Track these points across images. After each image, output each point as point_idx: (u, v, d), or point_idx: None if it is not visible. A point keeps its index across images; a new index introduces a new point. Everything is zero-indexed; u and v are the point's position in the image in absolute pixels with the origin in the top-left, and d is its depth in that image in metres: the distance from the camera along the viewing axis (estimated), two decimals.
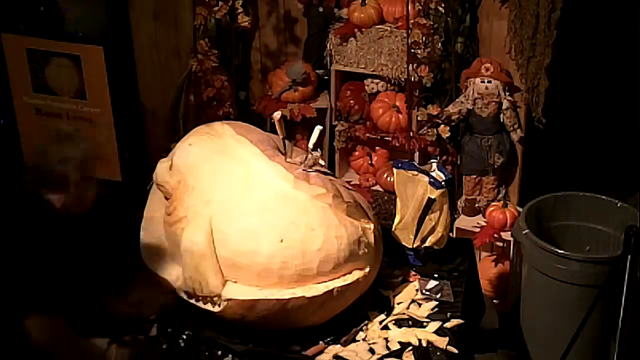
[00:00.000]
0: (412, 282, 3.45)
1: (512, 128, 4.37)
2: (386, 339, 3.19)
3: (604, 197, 4.14)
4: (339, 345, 3.16)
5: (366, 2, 4.48)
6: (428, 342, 3.17)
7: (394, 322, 3.27)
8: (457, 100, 4.40)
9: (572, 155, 5.18)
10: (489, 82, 4.28)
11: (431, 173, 3.38)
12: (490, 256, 4.52)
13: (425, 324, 3.26)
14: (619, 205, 4.09)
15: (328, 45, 4.59)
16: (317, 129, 3.29)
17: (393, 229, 3.51)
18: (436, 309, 3.32)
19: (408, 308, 3.33)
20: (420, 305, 3.35)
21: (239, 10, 4.38)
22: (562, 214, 4.17)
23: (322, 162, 3.30)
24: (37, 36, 4.58)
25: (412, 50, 4.26)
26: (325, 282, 3.09)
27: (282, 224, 3.05)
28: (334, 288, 3.08)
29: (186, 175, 3.18)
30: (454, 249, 3.60)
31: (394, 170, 3.47)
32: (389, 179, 4.57)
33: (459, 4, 4.32)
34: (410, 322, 3.27)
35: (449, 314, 3.30)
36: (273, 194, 3.10)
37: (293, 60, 4.70)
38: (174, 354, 3.14)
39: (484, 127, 4.36)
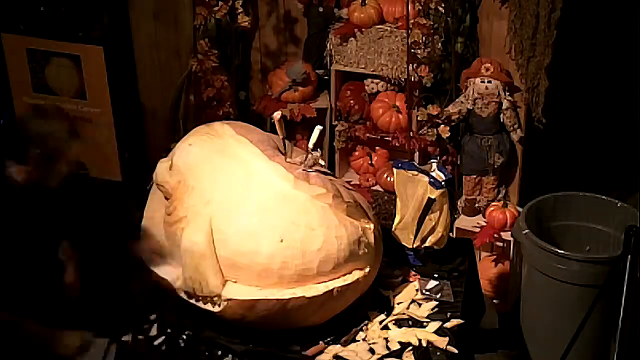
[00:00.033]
0: (412, 282, 3.45)
1: (512, 128, 4.37)
2: (386, 339, 3.19)
3: (604, 197, 4.14)
4: (339, 345, 3.16)
5: (366, 2, 4.47)
6: (428, 342, 3.17)
7: (394, 322, 3.27)
8: (457, 100, 4.40)
9: (572, 155, 5.18)
10: (489, 82, 4.28)
11: (431, 173, 3.38)
12: (490, 256, 4.52)
13: (425, 324, 3.26)
14: (619, 205, 4.09)
15: (328, 45, 4.59)
16: (317, 129, 3.29)
17: (393, 229, 3.51)
18: (436, 309, 3.32)
19: (408, 308, 3.33)
20: (420, 305, 3.35)
21: (239, 10, 4.38)
22: (562, 214, 4.17)
23: (322, 162, 3.30)
24: (37, 36, 4.58)
25: (412, 50, 4.26)
26: (325, 282, 3.09)
27: (282, 224, 3.05)
28: (334, 288, 3.08)
29: (186, 175, 3.18)
30: (454, 249, 3.60)
31: (394, 170, 3.47)
32: (389, 179, 4.57)
33: (459, 4, 4.32)
34: (410, 322, 3.27)
35: (449, 314, 3.30)
36: (273, 194, 3.10)
37: (293, 60, 4.70)
38: (174, 354, 3.14)
39: (484, 127, 4.36)
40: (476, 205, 4.52)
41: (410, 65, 4.29)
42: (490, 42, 4.37)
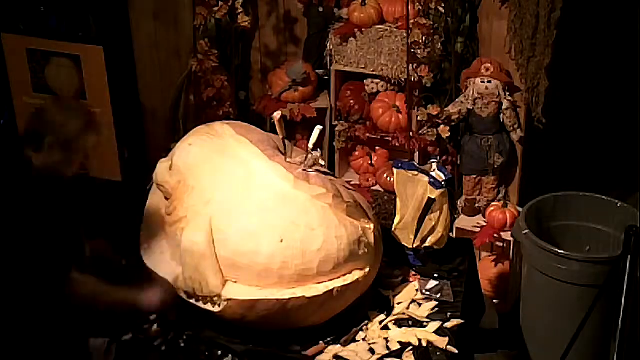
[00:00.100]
0: (412, 282, 3.45)
1: (512, 128, 4.37)
2: (386, 339, 3.19)
3: (604, 197, 4.14)
4: (339, 345, 3.16)
5: (366, 2, 4.47)
6: (428, 342, 3.17)
7: (394, 322, 3.27)
8: (457, 100, 4.40)
9: (572, 155, 5.18)
10: (489, 82, 4.28)
11: (431, 173, 3.38)
12: (490, 256, 4.52)
13: (425, 324, 3.26)
14: (619, 205, 4.09)
15: (328, 45, 4.59)
16: (317, 129, 3.29)
17: (393, 229, 3.51)
18: (436, 309, 3.32)
19: (408, 308, 3.33)
20: (420, 305, 3.35)
21: (239, 10, 4.38)
22: (562, 214, 4.17)
23: (322, 162, 3.30)
24: (37, 36, 4.58)
25: (412, 50, 4.26)
26: (325, 282, 3.09)
27: (282, 224, 3.05)
28: (334, 288, 3.08)
29: (186, 175, 3.18)
30: (454, 249, 3.60)
31: (394, 170, 3.47)
32: (389, 179, 4.57)
33: (459, 4, 4.31)
34: (410, 322, 3.27)
35: (449, 314, 3.30)
36: (273, 194, 3.10)
37: (293, 60, 4.70)
38: (174, 354, 3.14)
39: (484, 127, 4.36)
40: (476, 205, 4.52)
41: (410, 65, 4.29)
42: (490, 42, 4.37)
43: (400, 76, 4.46)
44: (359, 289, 3.20)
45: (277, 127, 3.29)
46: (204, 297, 3.09)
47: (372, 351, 3.14)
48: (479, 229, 4.41)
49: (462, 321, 3.28)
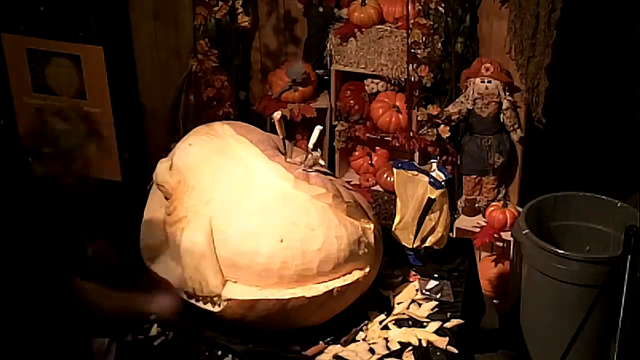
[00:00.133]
0: (412, 282, 3.45)
1: (512, 128, 4.37)
2: (386, 339, 3.19)
3: (604, 197, 4.14)
4: (339, 345, 3.16)
5: (366, 2, 4.47)
6: (428, 342, 3.17)
7: (394, 322, 3.27)
8: (457, 100, 4.40)
9: (572, 155, 5.18)
10: (489, 82, 4.28)
11: (431, 173, 3.38)
12: (490, 256, 4.52)
13: (425, 324, 3.26)
14: (619, 205, 4.09)
15: (328, 45, 4.59)
16: (317, 129, 3.29)
17: (393, 229, 3.51)
18: (436, 309, 3.32)
19: (408, 308, 3.33)
20: (420, 305, 3.35)
21: (239, 10, 4.38)
22: (562, 214, 4.17)
23: (322, 162, 3.30)
24: (37, 36, 4.58)
25: (412, 50, 4.26)
26: (325, 282, 3.09)
27: (282, 224, 3.05)
28: (334, 288, 3.08)
29: (186, 175, 3.18)
30: (454, 249, 3.60)
31: (394, 170, 3.47)
32: (389, 179, 4.57)
33: (459, 4, 4.31)
34: (410, 322, 3.27)
35: (449, 314, 3.30)
36: (273, 194, 3.10)
37: (293, 60, 4.70)
38: (174, 354, 3.14)
39: (484, 127, 4.36)
40: (476, 205, 4.52)
41: (410, 65, 4.29)
42: (490, 42, 4.37)
43: (400, 76, 4.46)
44: (359, 289, 3.20)
45: (277, 127, 3.29)
46: (204, 297, 3.09)
47: (372, 351, 3.14)
48: (479, 229, 4.41)
49: (462, 321, 3.27)
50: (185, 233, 3.08)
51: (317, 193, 3.12)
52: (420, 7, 4.27)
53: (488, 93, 4.29)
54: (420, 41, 4.24)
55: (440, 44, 4.35)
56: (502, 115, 4.35)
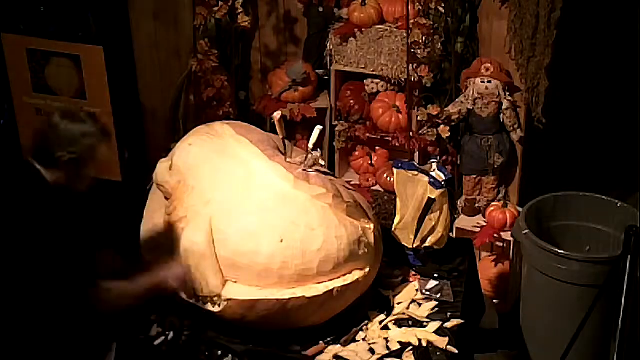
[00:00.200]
0: (412, 282, 3.45)
1: (512, 128, 4.37)
2: (386, 339, 3.19)
3: (604, 197, 4.14)
4: (339, 345, 3.16)
5: (366, 2, 4.47)
6: (428, 342, 3.17)
7: (394, 322, 3.27)
8: (457, 100, 4.40)
9: (572, 155, 5.18)
10: (489, 82, 4.28)
11: (431, 173, 3.38)
12: (490, 256, 4.52)
13: (425, 324, 3.26)
14: (619, 205, 4.09)
15: (328, 45, 4.59)
16: (317, 129, 3.29)
17: (393, 229, 3.51)
18: (436, 309, 3.33)
19: (408, 308, 3.33)
20: (420, 305, 3.35)
21: (239, 10, 4.38)
22: (562, 214, 4.17)
23: (322, 162, 3.30)
24: (37, 36, 4.58)
25: (412, 50, 4.26)
26: (325, 282, 3.09)
27: (282, 224, 3.05)
28: (334, 288, 3.08)
29: (186, 175, 3.18)
30: (454, 249, 3.60)
31: (394, 170, 3.47)
32: (389, 179, 4.57)
33: (459, 4, 4.31)
34: (410, 322, 3.27)
35: (449, 314, 3.30)
36: (273, 194, 3.10)
37: (293, 60, 4.70)
38: (174, 354, 3.14)
39: (484, 127, 4.36)
40: (476, 205, 4.52)
41: (410, 65, 4.29)
42: (490, 42, 4.37)
43: (400, 76, 4.46)
44: (359, 289, 3.20)
45: (277, 127, 3.29)
46: (204, 297, 3.09)
47: (372, 351, 3.14)
48: (479, 229, 4.41)
49: (462, 321, 3.28)
50: (185, 233, 3.08)
51: (317, 193, 3.12)
52: (420, 7, 4.27)
53: (488, 93, 4.29)
54: (420, 41, 4.24)
55: (440, 44, 4.34)
56: (502, 115, 4.35)
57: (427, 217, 3.40)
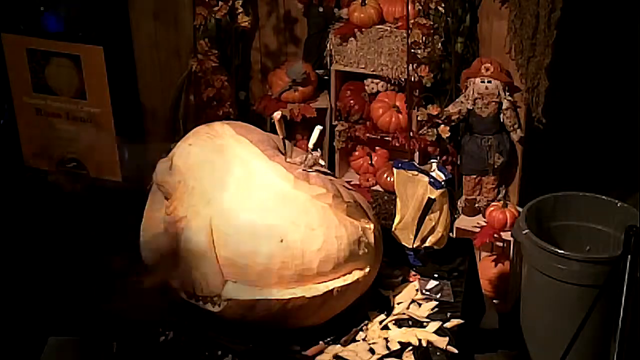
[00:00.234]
0: (412, 282, 3.45)
1: (512, 128, 4.37)
2: (386, 339, 3.19)
3: (604, 197, 4.14)
4: (339, 345, 3.16)
5: (366, 2, 4.48)
6: (428, 342, 3.17)
7: (394, 322, 3.27)
8: (457, 100, 4.40)
9: (572, 155, 5.18)
10: (489, 82, 4.28)
11: (431, 173, 3.38)
12: (490, 256, 4.52)
13: (425, 324, 3.25)
14: (619, 205, 4.09)
15: (328, 45, 4.59)
16: (317, 129, 3.29)
17: (393, 229, 3.50)
18: (436, 309, 3.32)
19: (408, 308, 3.33)
20: (420, 305, 3.35)
21: (239, 10, 4.38)
22: (562, 214, 4.17)
23: (322, 162, 3.30)
24: (37, 36, 4.58)
25: (412, 50, 4.26)
26: (325, 282, 3.09)
27: (282, 224, 3.05)
28: (334, 288, 3.08)
29: (186, 175, 3.18)
30: (454, 249, 3.60)
31: (394, 170, 3.47)
32: (389, 179, 4.57)
33: (459, 4, 4.32)
34: (410, 322, 3.27)
35: (449, 314, 3.30)
36: (273, 194, 3.10)
37: (293, 60, 4.70)
38: (174, 354, 3.14)
39: (484, 127, 4.37)
40: (476, 205, 4.52)
41: (410, 65, 4.29)
42: (490, 42, 4.37)
43: (400, 76, 4.46)
44: (359, 289, 3.20)
45: (277, 127, 3.29)
46: (204, 297, 3.09)
47: (372, 351, 3.14)
48: (479, 229, 4.42)
49: (462, 321, 3.27)
50: (185, 233, 3.08)
51: (317, 193, 3.12)
52: (420, 7, 4.27)
53: (488, 93, 4.29)
54: (420, 41, 4.24)
55: (440, 44, 4.34)
56: (502, 115, 4.35)
57: (427, 217, 3.40)
